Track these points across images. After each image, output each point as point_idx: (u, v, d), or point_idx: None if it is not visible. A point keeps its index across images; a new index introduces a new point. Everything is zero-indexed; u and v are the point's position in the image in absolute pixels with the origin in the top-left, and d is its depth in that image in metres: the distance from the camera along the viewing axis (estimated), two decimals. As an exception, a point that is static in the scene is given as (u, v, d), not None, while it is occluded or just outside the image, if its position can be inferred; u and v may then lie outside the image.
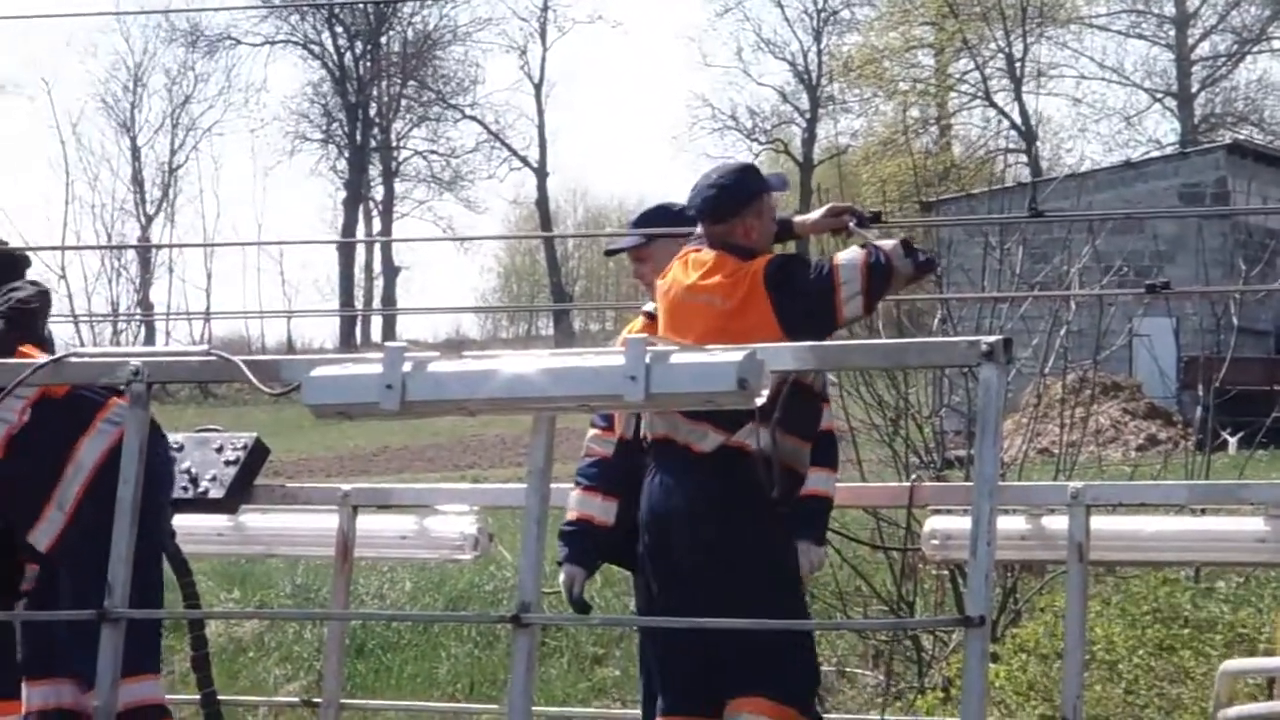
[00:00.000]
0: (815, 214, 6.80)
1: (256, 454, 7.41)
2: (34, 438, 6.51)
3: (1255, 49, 62.00)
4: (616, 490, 6.73)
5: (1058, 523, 6.70)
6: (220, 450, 7.43)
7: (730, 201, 6.43)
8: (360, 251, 68.97)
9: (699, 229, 6.57)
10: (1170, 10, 61.06)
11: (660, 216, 6.99)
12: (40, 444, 6.52)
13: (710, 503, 6.21)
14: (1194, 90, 61.45)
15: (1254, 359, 33.58)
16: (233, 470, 7.29)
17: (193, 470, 7.36)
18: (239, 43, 69.51)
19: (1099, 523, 6.72)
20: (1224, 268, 32.79)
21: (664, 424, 6.32)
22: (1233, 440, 15.37)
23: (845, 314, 6.23)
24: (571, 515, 6.85)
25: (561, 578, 6.85)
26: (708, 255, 6.38)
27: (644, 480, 6.42)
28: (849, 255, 6.24)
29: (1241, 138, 52.33)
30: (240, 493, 7.33)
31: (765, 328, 6.07)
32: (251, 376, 4.96)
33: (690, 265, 6.40)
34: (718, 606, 5.99)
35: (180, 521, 7.33)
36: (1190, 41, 61.28)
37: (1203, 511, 7.15)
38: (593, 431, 6.89)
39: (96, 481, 6.41)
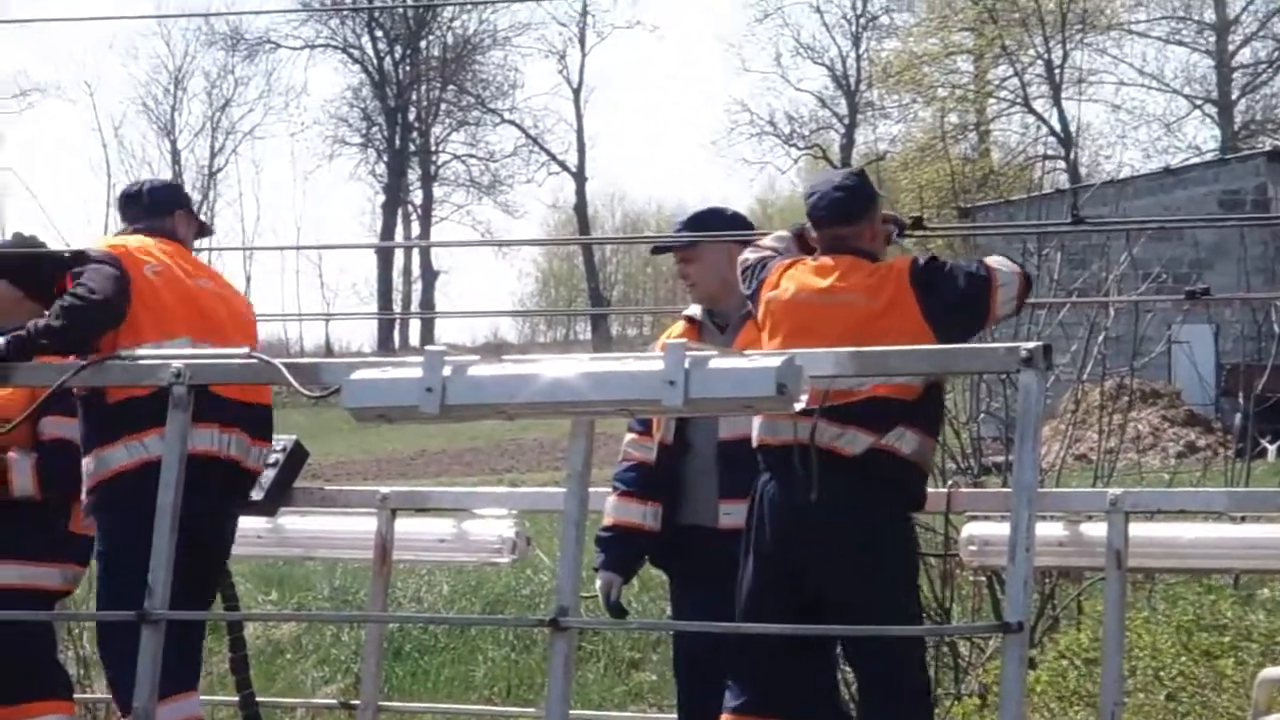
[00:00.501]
0: None
1: (296, 456, 7.42)
2: None
3: (1296, 56, 61.75)
4: (656, 495, 6.73)
5: (1096, 529, 6.68)
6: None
7: (859, 204, 6.44)
8: (399, 255, 69.10)
9: (766, 242, 6.59)
10: (1210, 17, 60.84)
11: (711, 219, 6.98)
12: None
13: (859, 518, 6.15)
14: (1234, 97, 61.21)
15: (1294, 367, 33.40)
16: (272, 472, 7.30)
17: (233, 473, 7.37)
18: (279, 46, 69.80)
19: (1137, 529, 6.70)
20: (1265, 275, 32.68)
21: (789, 429, 6.17)
22: (1272, 448, 15.34)
23: (1000, 312, 6.34)
24: (609, 521, 6.84)
25: (598, 583, 6.85)
26: (832, 260, 6.37)
27: (762, 486, 6.32)
28: (1002, 260, 6.36)
29: (1282, 145, 52.10)
30: (279, 495, 7.34)
31: (909, 327, 6.09)
32: (292, 379, 4.98)
33: (815, 271, 6.36)
34: (860, 616, 6.04)
35: (221, 524, 7.35)
36: (1230, 48, 61.03)
37: (1243, 519, 7.11)
38: (630, 436, 6.88)
39: None
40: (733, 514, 6.52)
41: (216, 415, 6.48)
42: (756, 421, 6.33)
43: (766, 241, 6.67)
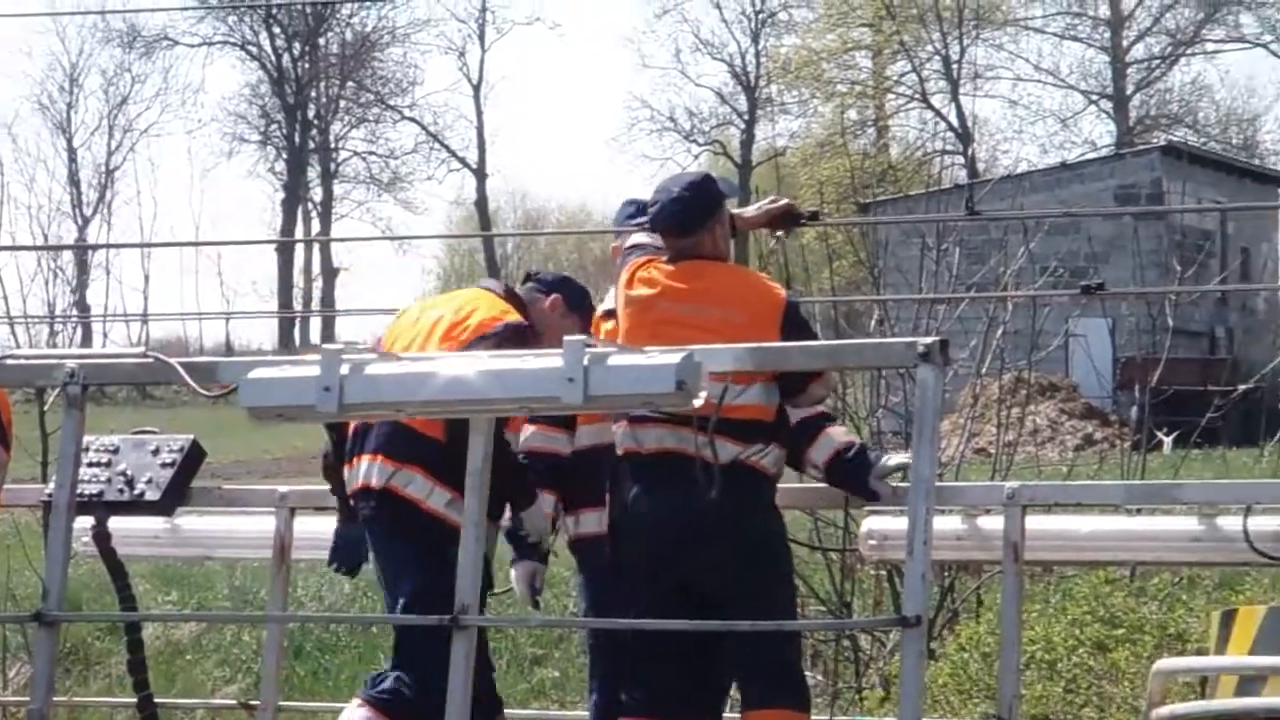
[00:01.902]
0: (751, 209, 6.84)
1: (193, 456, 7.38)
2: None
3: (1189, 51, 62.40)
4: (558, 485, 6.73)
5: (994, 523, 6.73)
6: (156, 452, 7.39)
7: (694, 216, 6.41)
8: (299, 253, 68.73)
9: (639, 238, 6.57)
10: (1105, 13, 61.38)
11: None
12: None
13: (735, 521, 6.19)
14: (1129, 92, 61.78)
15: (1189, 359, 33.78)
16: (169, 472, 7.25)
17: (129, 472, 7.32)
18: (176, 43, 69.16)
19: (1034, 523, 6.74)
20: (1159, 269, 32.98)
21: (672, 437, 6.22)
22: (1168, 440, 15.47)
23: (810, 394, 6.41)
24: None
25: (517, 574, 6.82)
26: (692, 265, 6.36)
27: (632, 492, 6.34)
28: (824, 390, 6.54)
29: (1176, 140, 52.63)
30: (177, 495, 7.29)
31: None
32: (188, 378, 4.94)
33: (674, 276, 6.35)
34: (743, 612, 6.07)
35: (116, 524, 7.31)
36: (1125, 44, 61.61)
37: (1138, 511, 7.18)
38: (531, 428, 6.83)
39: None
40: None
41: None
42: (618, 431, 6.35)
43: (640, 237, 6.66)
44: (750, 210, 6.86)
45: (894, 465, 6.49)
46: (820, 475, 6.62)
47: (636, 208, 6.88)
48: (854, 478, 6.53)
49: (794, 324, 6.31)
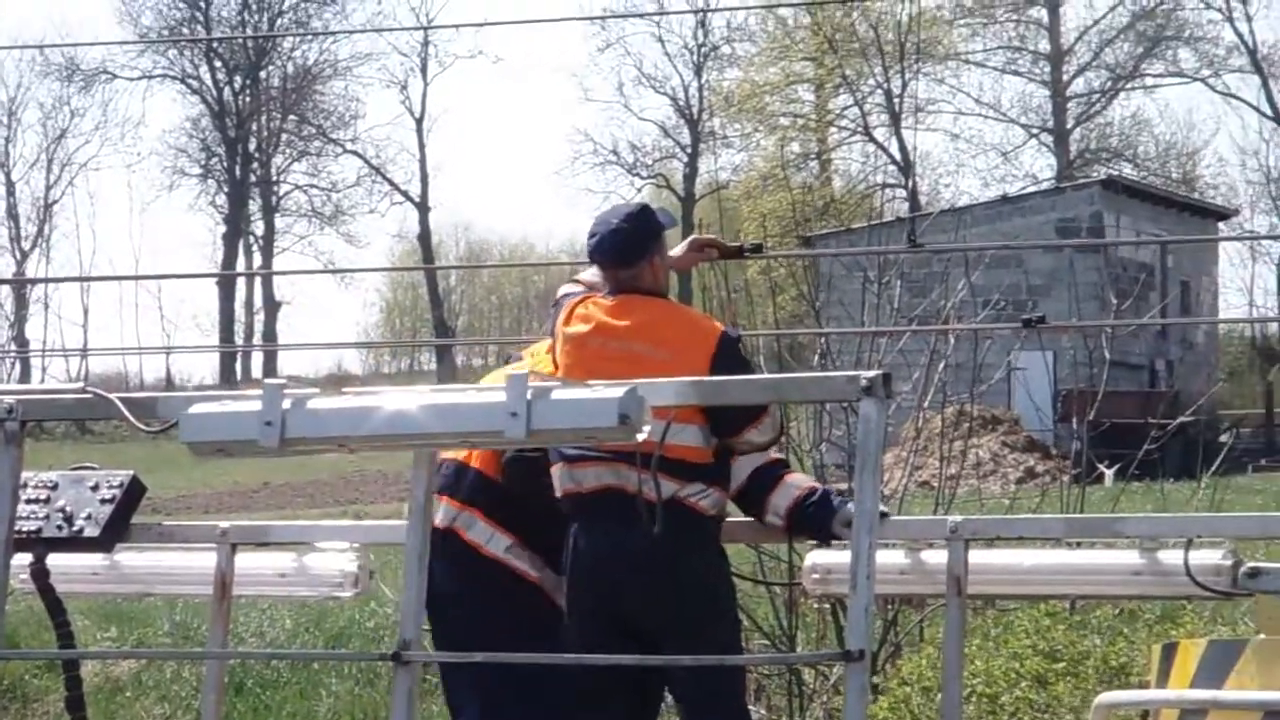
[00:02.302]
0: (679, 249, 6.83)
1: (133, 492, 7.32)
2: None
3: (1129, 86, 62.88)
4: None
5: (937, 556, 6.73)
6: (96, 488, 7.33)
7: (637, 245, 6.38)
8: (240, 287, 68.63)
9: (567, 288, 6.57)
10: (1045, 48, 61.83)
11: None
12: None
13: (666, 554, 6.15)
14: (1069, 126, 62.23)
15: (1128, 392, 33.99)
16: (108, 508, 7.19)
17: (68, 509, 7.26)
18: (115, 77, 69.16)
19: (977, 556, 6.75)
20: (1098, 302, 33.18)
21: (611, 474, 6.21)
22: (1109, 473, 15.54)
23: (747, 439, 6.30)
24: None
25: None
26: (628, 300, 6.32)
27: (572, 531, 6.30)
28: (775, 416, 6.35)
29: (1116, 174, 52.99)
30: (116, 531, 7.23)
31: None
32: (128, 414, 4.91)
33: (609, 311, 6.32)
34: (683, 648, 6.05)
35: (55, 561, 7.24)
36: (1065, 78, 62.05)
37: (1079, 545, 7.20)
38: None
39: None
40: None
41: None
42: (556, 472, 6.32)
43: (584, 276, 6.66)
44: (677, 250, 6.85)
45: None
46: (781, 523, 6.55)
47: None
48: (816, 524, 6.46)
49: (727, 360, 6.21)
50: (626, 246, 6.37)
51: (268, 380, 4.56)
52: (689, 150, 66.31)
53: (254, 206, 70.21)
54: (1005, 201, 44.59)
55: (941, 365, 12.87)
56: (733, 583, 6.56)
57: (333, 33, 68.10)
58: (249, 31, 69.72)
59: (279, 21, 70.26)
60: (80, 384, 5.81)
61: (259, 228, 70.28)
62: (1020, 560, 6.98)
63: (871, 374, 4.34)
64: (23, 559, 7.06)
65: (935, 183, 62.24)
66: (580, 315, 6.37)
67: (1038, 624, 10.45)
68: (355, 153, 70.05)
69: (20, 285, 62.78)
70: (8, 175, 67.91)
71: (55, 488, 7.30)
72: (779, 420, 6.41)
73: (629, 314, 6.28)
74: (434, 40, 69.39)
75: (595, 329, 6.32)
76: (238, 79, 70.20)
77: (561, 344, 6.42)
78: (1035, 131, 62.84)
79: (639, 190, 65.64)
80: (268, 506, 33.95)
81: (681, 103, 66.42)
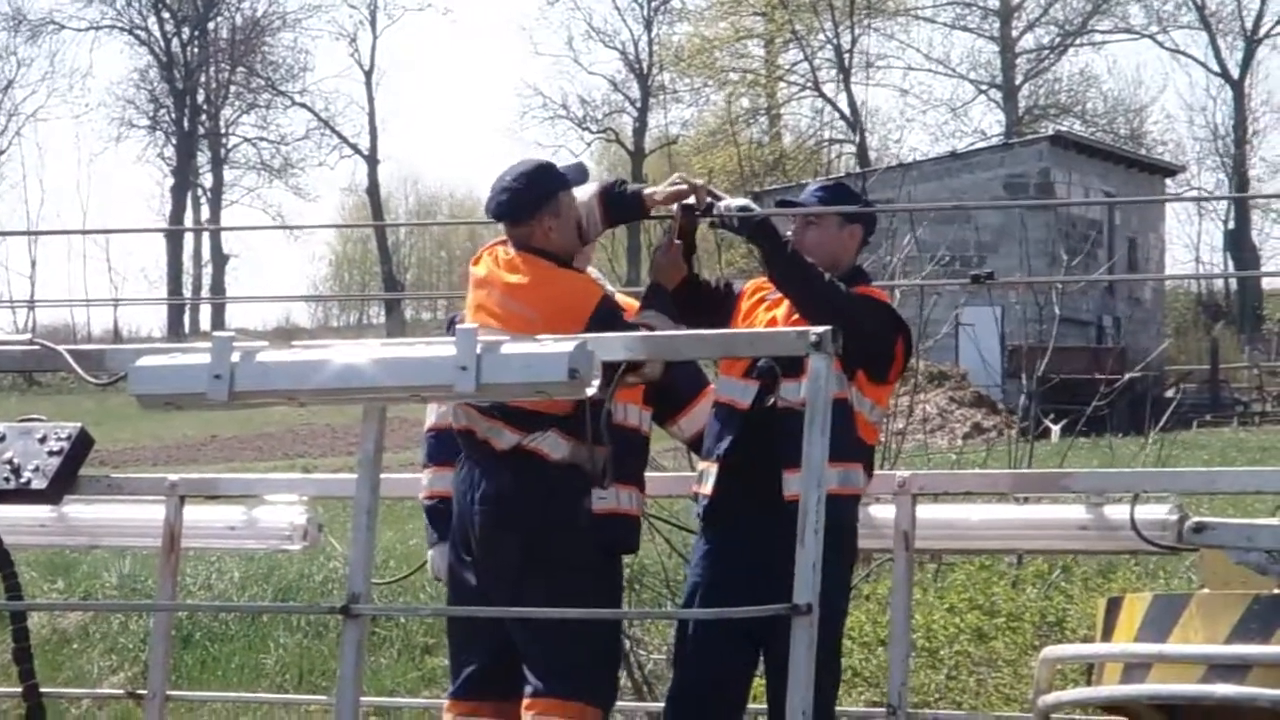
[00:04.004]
0: (662, 186, 6.60)
1: (80, 444, 7.30)
2: None
3: (1077, 42, 63.00)
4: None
5: (885, 511, 6.77)
6: (43, 440, 7.31)
7: (524, 204, 6.33)
8: (189, 239, 68.26)
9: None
10: (994, 3, 61.85)
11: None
12: None
13: (507, 503, 6.18)
14: (1018, 82, 62.30)
15: (1077, 348, 34.13)
16: (56, 460, 7.18)
17: (15, 460, 7.25)
18: (63, 27, 68.62)
19: (925, 511, 6.79)
20: (1047, 258, 33.28)
21: (464, 416, 6.29)
22: (1055, 428, 15.59)
23: (696, 417, 6.41)
24: (437, 492, 6.74)
25: (432, 557, 6.77)
26: (519, 256, 6.30)
27: (455, 471, 6.40)
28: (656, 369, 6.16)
29: (1064, 129, 53.13)
30: (64, 483, 7.22)
31: None
32: (76, 366, 4.90)
33: (504, 265, 6.31)
34: (516, 604, 6.05)
35: (2, 512, 7.23)
36: (1014, 34, 62.10)
37: (1026, 500, 7.24)
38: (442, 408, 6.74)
39: None
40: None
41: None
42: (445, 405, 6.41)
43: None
44: (660, 187, 6.61)
45: (738, 205, 6.36)
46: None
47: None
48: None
49: (604, 328, 5.95)
50: (514, 205, 6.33)
51: (217, 333, 4.55)
52: (639, 105, 66.14)
53: (202, 159, 69.83)
54: (954, 157, 44.68)
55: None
56: (597, 550, 6.28)
57: (281, -16, 67.83)
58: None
59: (227, -28, 69.89)
60: (28, 335, 5.77)
61: (207, 180, 69.94)
62: (968, 515, 7.03)
63: (820, 329, 4.36)
64: (-31, 511, 7.05)
65: (884, 138, 62.31)
66: (486, 260, 6.39)
67: (975, 578, 10.50)
68: (304, 105, 69.73)
69: (-34, 236, 62.35)
70: (-47, 126, 67.40)
71: (2, 439, 7.28)
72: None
73: (514, 271, 6.27)
74: (383, -8, 69.10)
75: (487, 277, 6.34)
76: (186, 30, 69.72)
77: (469, 283, 6.45)
78: (984, 87, 62.92)
79: (588, 145, 65.57)
80: (216, 460, 33.86)
81: (631, 57, 66.27)
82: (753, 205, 6.44)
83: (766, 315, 6.42)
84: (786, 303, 6.33)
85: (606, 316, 6.13)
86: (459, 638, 6.49)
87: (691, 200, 6.42)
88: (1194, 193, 62.84)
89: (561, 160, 6.97)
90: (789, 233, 6.54)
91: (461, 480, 6.33)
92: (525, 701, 6.21)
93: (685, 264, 6.48)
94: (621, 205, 6.51)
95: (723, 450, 6.32)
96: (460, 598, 6.35)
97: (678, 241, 6.43)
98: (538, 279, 6.26)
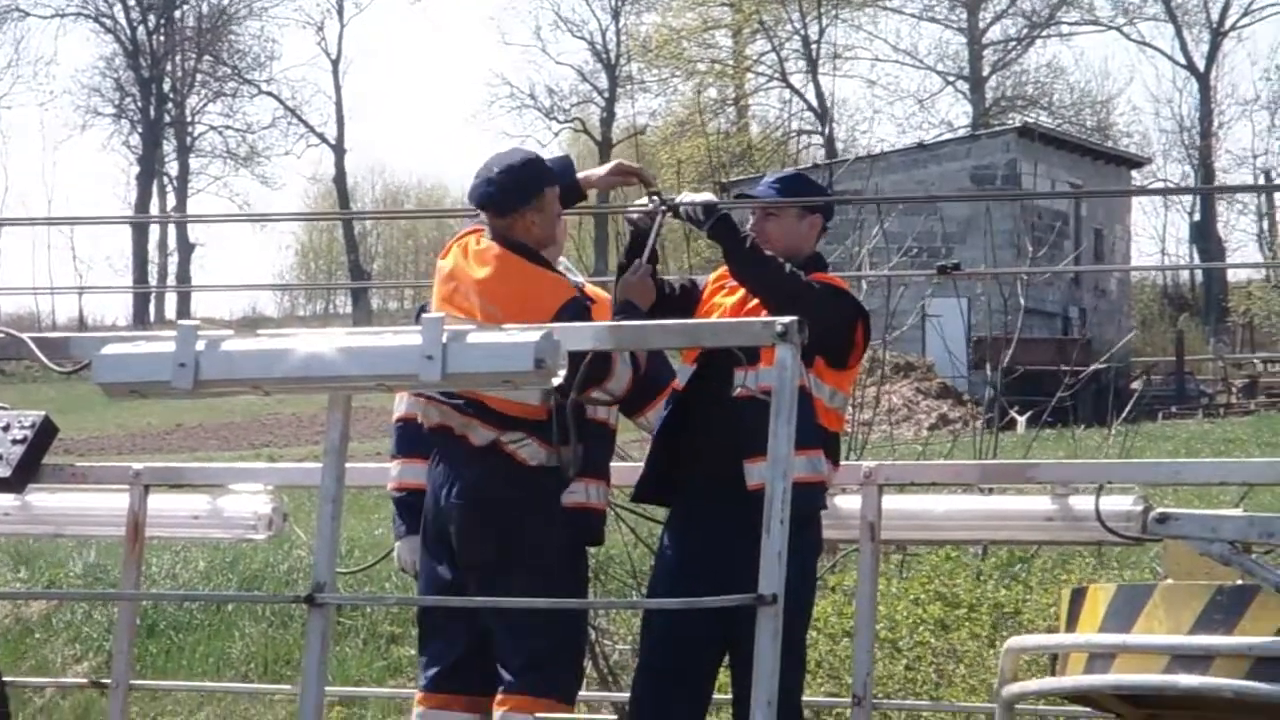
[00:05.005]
0: (602, 169, 6.67)
1: (45, 432, 7.29)
2: None
3: (1045, 33, 63.13)
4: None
5: (851, 502, 6.77)
6: (7, 429, 7.30)
7: (511, 198, 6.31)
8: (154, 228, 68.07)
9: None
10: (963, -6, 61.94)
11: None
12: None
13: (485, 498, 6.19)
14: (985, 73, 62.41)
15: (1042, 339, 34.24)
16: (20, 449, 7.17)
17: (-21, 449, 7.23)
18: (27, 15, 68.34)
19: (891, 502, 6.80)
20: (1013, 249, 33.35)
21: (437, 413, 6.29)
22: (1021, 419, 15.63)
23: (598, 395, 6.27)
24: (406, 484, 6.73)
25: (399, 549, 6.76)
26: (491, 250, 6.28)
27: (429, 466, 6.40)
28: (626, 370, 6.25)
29: (1031, 121, 53.22)
30: (28, 472, 7.20)
31: None
32: (40, 354, 4.87)
33: (473, 257, 6.29)
34: (481, 592, 6.09)
35: (-34, 501, 7.21)
36: (982, 25, 62.21)
37: (991, 490, 7.25)
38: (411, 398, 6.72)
39: None
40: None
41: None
42: (415, 400, 6.42)
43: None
44: (599, 170, 6.66)
45: (701, 200, 6.35)
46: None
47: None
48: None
49: (565, 319, 6.02)
50: (499, 198, 6.30)
51: (182, 322, 4.54)
52: (606, 95, 66.12)
53: (168, 147, 69.61)
54: (921, 149, 44.72)
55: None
56: (568, 545, 6.34)
57: (248, -28, 67.63)
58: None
59: (193, -40, 69.67)
60: (-6, 325, 5.75)
61: (173, 168, 69.72)
62: (933, 506, 7.04)
63: (786, 320, 4.35)
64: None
65: (852, 129, 62.34)
66: (456, 250, 6.37)
67: (937, 569, 10.52)
68: (271, 94, 69.54)
69: (-70, 224, 62.14)
70: (-83, 113, 67.15)
71: (-34, 428, 7.26)
72: (635, 367, 6.29)
73: (484, 264, 6.25)
74: (351, -19, 68.94)
75: (453, 272, 6.33)
76: (152, 18, 69.49)
77: (436, 273, 6.43)
78: (951, 79, 63.04)
79: (556, 135, 65.50)
80: (181, 448, 33.79)
81: (599, 47, 66.24)
82: (715, 200, 6.44)
83: (725, 301, 6.45)
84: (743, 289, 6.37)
85: (574, 315, 6.11)
86: (432, 631, 6.49)
87: (646, 201, 6.45)
88: (1160, 185, 63.12)
89: (542, 151, 6.94)
90: (749, 225, 6.55)
91: (437, 475, 6.33)
92: (498, 697, 6.22)
93: (653, 283, 6.47)
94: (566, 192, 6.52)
95: (657, 428, 6.43)
96: (433, 591, 6.35)
97: (648, 264, 6.45)
98: (506, 273, 6.24)
